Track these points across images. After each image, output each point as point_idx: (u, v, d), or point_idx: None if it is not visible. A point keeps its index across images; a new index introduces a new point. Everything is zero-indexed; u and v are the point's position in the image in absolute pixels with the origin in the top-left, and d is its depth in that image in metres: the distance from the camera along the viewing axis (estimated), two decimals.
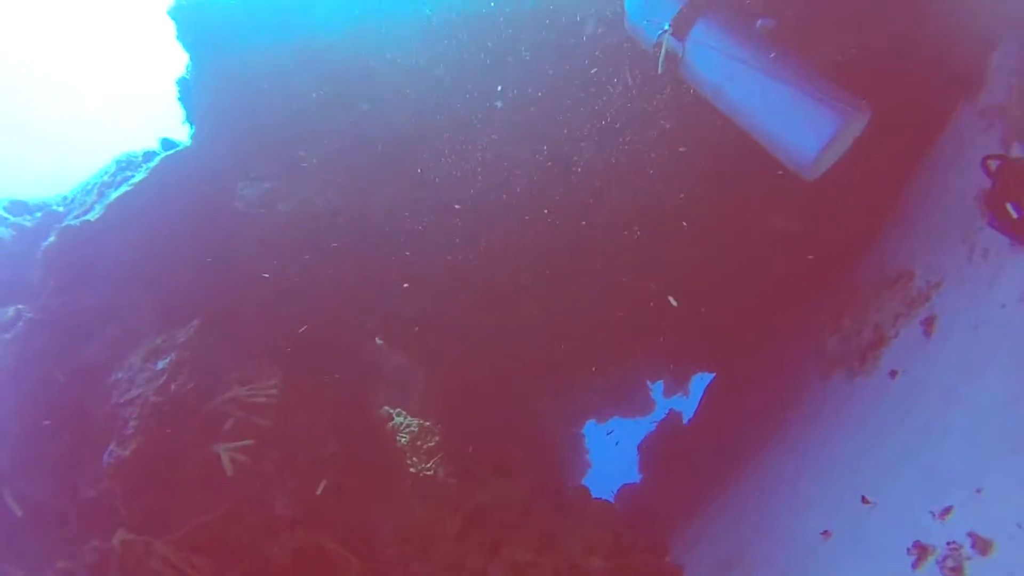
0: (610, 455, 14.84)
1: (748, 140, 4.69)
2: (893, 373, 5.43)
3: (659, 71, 4.79)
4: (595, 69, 6.09)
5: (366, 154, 6.53)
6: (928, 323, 5.27)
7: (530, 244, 7.12)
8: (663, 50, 4.72)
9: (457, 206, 6.77)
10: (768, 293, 8.26)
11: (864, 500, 4.68)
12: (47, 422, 5.63)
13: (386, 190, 6.67)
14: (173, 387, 5.20)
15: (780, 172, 4.61)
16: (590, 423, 13.50)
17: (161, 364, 5.26)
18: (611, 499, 11.21)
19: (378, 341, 9.45)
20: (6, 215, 6.83)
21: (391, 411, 9.20)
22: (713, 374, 11.75)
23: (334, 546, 6.13)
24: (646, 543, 7.52)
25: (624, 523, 8.05)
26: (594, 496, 9.10)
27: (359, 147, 6.51)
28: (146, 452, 5.24)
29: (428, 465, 8.36)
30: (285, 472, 5.84)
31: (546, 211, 6.89)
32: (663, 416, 12.03)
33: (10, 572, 5.55)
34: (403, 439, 8.88)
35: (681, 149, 6.42)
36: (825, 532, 4.97)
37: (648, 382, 12.91)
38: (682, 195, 6.84)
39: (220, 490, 5.57)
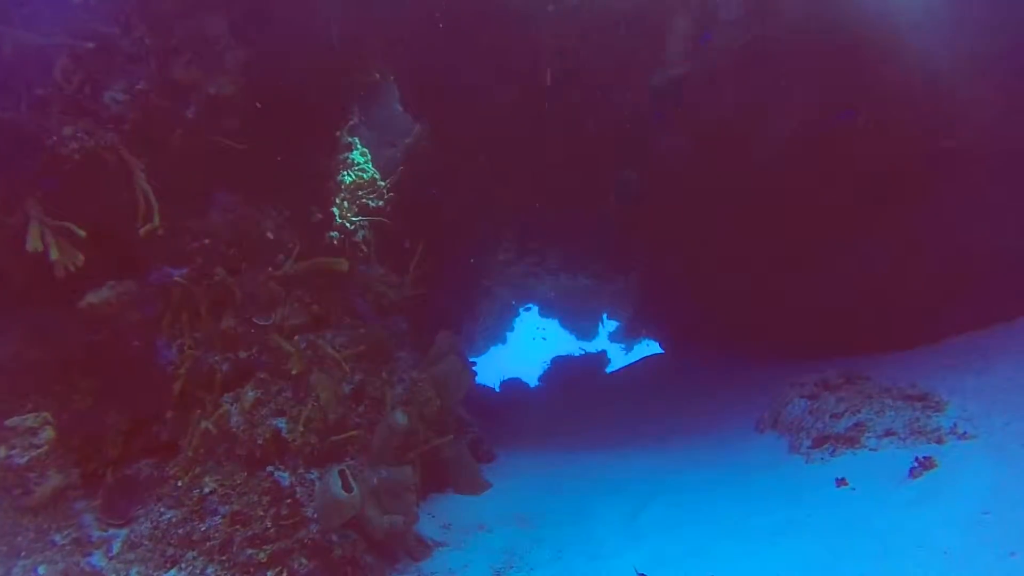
0: (526, 348, 13.95)
1: None
2: (841, 481, 4.20)
3: None
4: None
5: None
6: (924, 465, 3.99)
7: None
8: None
9: None
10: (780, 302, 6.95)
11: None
12: None
13: None
14: None
15: None
16: (533, 306, 12.47)
17: None
18: (494, 383, 10.36)
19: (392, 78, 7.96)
20: None
21: (357, 144, 7.65)
22: (662, 352, 10.63)
23: (144, 188, 4.52)
24: (474, 438, 6.58)
25: (472, 409, 7.10)
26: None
27: None
28: None
29: (353, 218, 7.01)
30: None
31: None
32: (594, 352, 11.02)
33: None
34: (347, 177, 7.44)
35: None
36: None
37: (606, 315, 11.79)
38: None
39: None
